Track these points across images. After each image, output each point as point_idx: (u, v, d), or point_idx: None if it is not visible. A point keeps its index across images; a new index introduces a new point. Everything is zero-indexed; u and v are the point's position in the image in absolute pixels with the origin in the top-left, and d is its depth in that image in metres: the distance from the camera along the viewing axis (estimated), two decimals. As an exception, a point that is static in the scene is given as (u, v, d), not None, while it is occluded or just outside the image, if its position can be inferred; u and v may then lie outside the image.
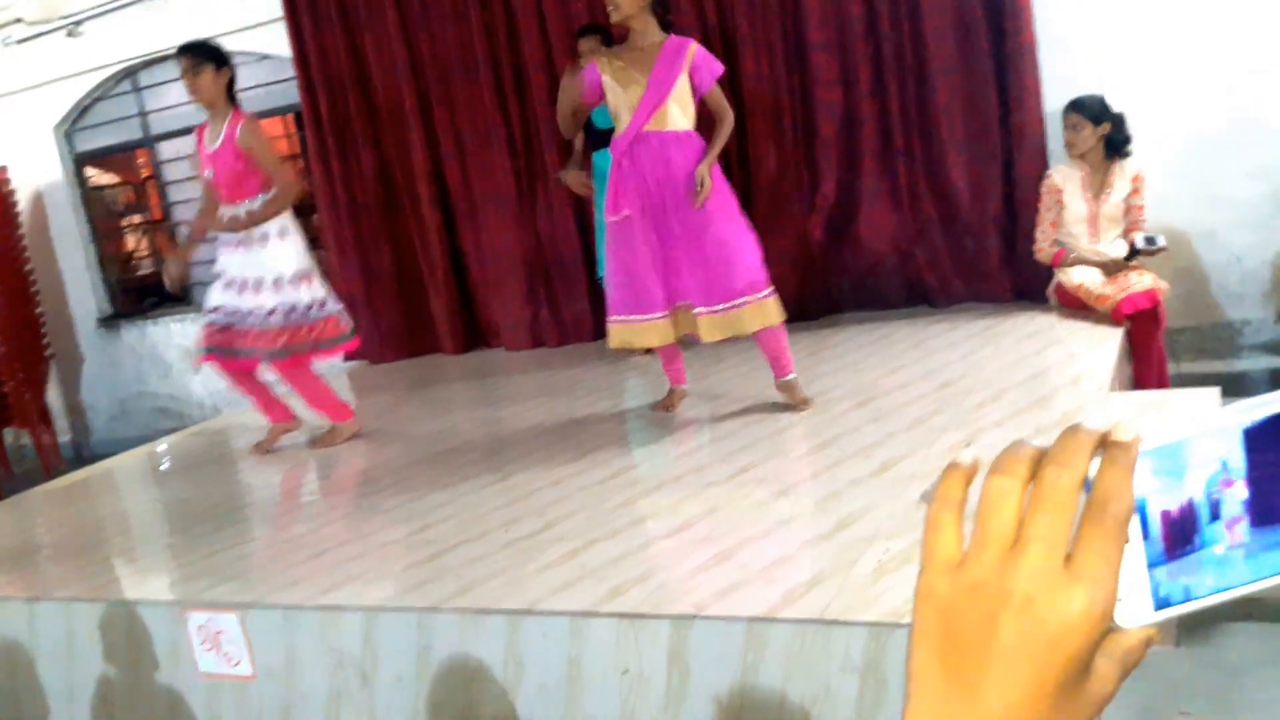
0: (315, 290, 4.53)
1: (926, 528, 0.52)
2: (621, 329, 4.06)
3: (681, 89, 3.91)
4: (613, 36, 5.32)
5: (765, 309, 3.91)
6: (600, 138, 5.37)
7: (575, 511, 3.27)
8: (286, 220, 4.47)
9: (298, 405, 4.78)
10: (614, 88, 3.94)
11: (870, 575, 2.44)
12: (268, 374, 4.69)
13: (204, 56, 4.40)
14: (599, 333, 5.92)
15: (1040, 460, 0.49)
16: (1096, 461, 0.48)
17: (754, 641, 2.32)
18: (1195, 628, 2.78)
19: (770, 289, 3.93)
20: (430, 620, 2.69)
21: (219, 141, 4.40)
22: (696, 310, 3.94)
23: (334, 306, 4.59)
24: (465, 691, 2.65)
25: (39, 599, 3.37)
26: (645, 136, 3.92)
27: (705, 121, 4.00)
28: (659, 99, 3.89)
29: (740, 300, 3.88)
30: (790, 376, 4.03)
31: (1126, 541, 0.48)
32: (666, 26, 3.97)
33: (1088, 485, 0.48)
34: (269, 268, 4.42)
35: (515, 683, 2.58)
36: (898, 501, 2.89)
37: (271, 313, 4.43)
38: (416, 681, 2.71)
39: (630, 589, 2.60)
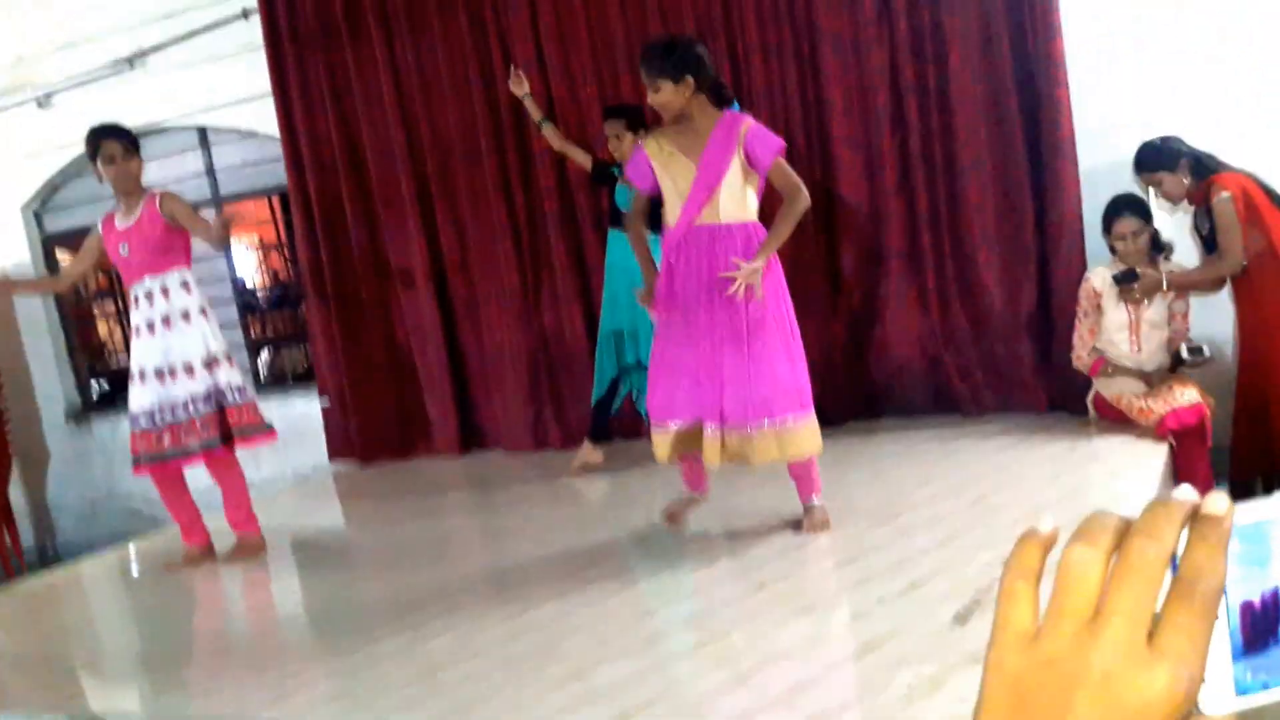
0: (235, 372, 4.67)
1: (1000, 597, 0.52)
2: (661, 437, 3.90)
3: (735, 175, 3.78)
4: (641, 118, 5.43)
5: (798, 437, 3.79)
6: (619, 219, 5.46)
7: (580, 628, 3.29)
8: (203, 299, 4.65)
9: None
10: (663, 174, 3.86)
11: (900, 701, 2.47)
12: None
13: (134, 143, 4.61)
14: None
15: (1125, 531, 0.49)
16: (1183, 538, 0.48)
17: (775, 772, 2.34)
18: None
19: (807, 415, 3.84)
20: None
21: (134, 218, 4.57)
22: (720, 426, 3.81)
23: (251, 393, 4.71)
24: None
25: (1, 710, 3.37)
26: (696, 231, 3.81)
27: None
28: (710, 188, 3.78)
29: (766, 424, 3.76)
30: (815, 501, 3.98)
31: (1215, 620, 0.48)
32: (723, 102, 3.87)
33: (1174, 563, 0.48)
34: (196, 348, 4.55)
35: (515, 813, 2.58)
36: (928, 622, 2.91)
37: (207, 397, 4.54)
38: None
39: (640, 713, 2.61)
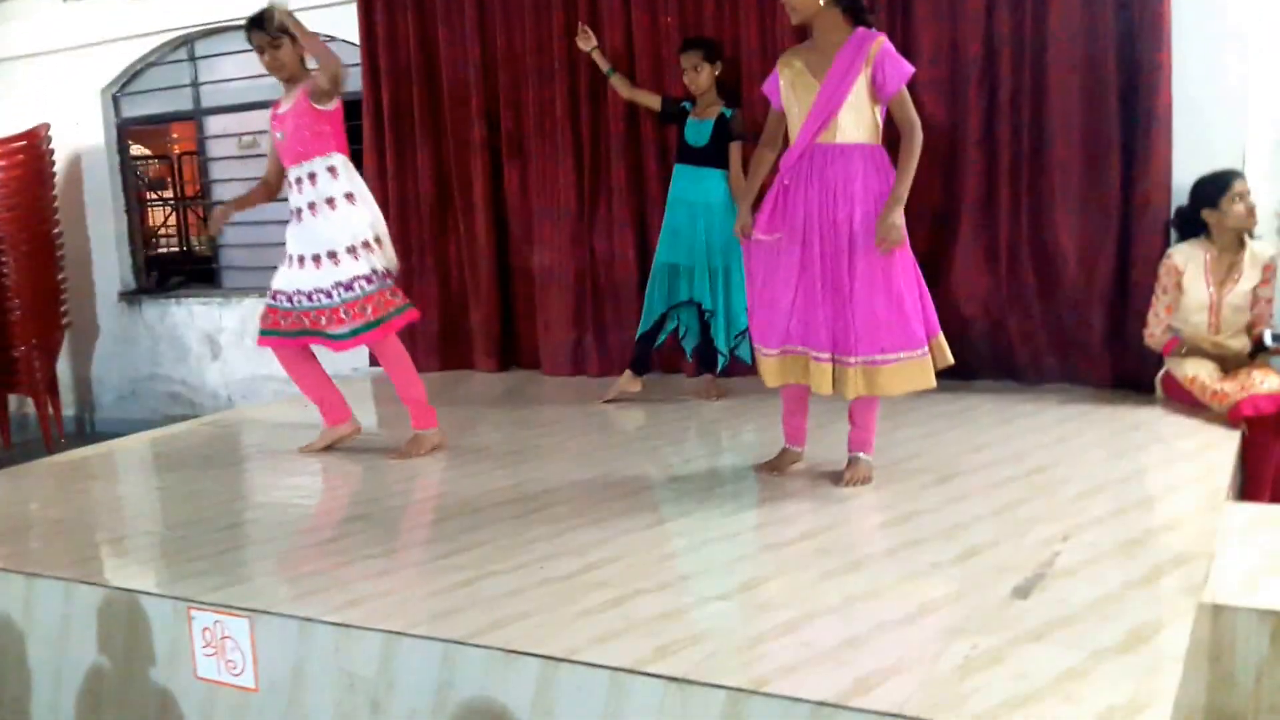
0: (386, 256, 4.51)
1: None
2: (767, 362, 3.76)
3: (859, 96, 3.53)
4: (717, 51, 5.28)
5: (921, 368, 3.61)
6: (686, 153, 5.30)
7: (618, 556, 3.14)
8: (351, 185, 4.46)
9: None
10: (788, 93, 3.65)
11: (956, 671, 2.30)
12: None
13: (281, 30, 4.43)
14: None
15: None
16: None
17: (820, 728, 2.19)
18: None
19: (926, 348, 3.63)
20: (456, 654, 2.57)
21: (292, 103, 4.45)
22: (835, 359, 3.63)
23: (387, 280, 4.54)
24: (485, 737, 2.53)
25: (39, 575, 3.29)
26: (813, 150, 3.59)
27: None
28: (831, 106, 3.54)
29: (894, 356, 3.58)
30: (864, 455, 3.79)
31: None
32: (860, 22, 3.57)
33: None
34: (340, 236, 4.39)
35: (542, 734, 2.46)
36: (986, 593, 2.72)
37: (349, 285, 4.39)
38: (432, 717, 2.59)
39: (680, 650, 2.46)
